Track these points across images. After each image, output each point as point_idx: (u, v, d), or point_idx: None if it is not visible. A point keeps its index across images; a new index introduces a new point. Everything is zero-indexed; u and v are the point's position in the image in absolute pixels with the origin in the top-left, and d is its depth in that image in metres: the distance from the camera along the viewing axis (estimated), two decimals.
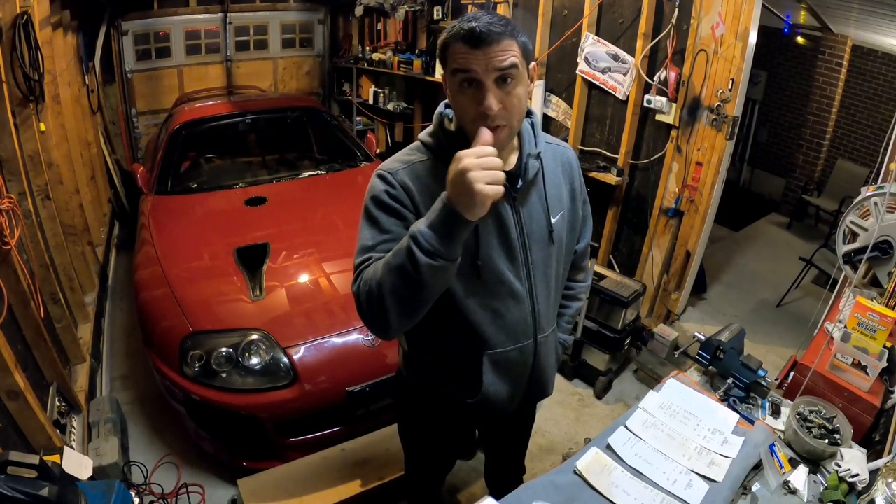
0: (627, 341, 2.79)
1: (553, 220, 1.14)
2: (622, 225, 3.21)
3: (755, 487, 1.23)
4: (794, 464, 1.28)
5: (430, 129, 1.11)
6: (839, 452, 1.28)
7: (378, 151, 4.10)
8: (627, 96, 2.87)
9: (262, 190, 3.01)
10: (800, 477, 1.23)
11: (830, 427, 1.35)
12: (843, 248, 1.99)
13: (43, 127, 2.45)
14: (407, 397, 1.38)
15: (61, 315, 2.32)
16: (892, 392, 1.50)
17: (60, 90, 2.98)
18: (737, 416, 1.41)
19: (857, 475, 1.21)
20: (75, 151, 3.22)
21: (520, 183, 1.09)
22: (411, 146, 1.12)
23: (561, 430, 2.52)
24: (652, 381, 2.73)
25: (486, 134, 0.88)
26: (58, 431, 1.82)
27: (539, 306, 1.17)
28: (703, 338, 1.60)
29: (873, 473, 1.21)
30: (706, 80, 2.56)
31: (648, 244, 3.02)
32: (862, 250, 1.87)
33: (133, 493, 1.56)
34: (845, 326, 1.51)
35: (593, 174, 3.00)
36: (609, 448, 1.29)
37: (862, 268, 1.91)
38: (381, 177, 1.05)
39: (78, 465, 1.44)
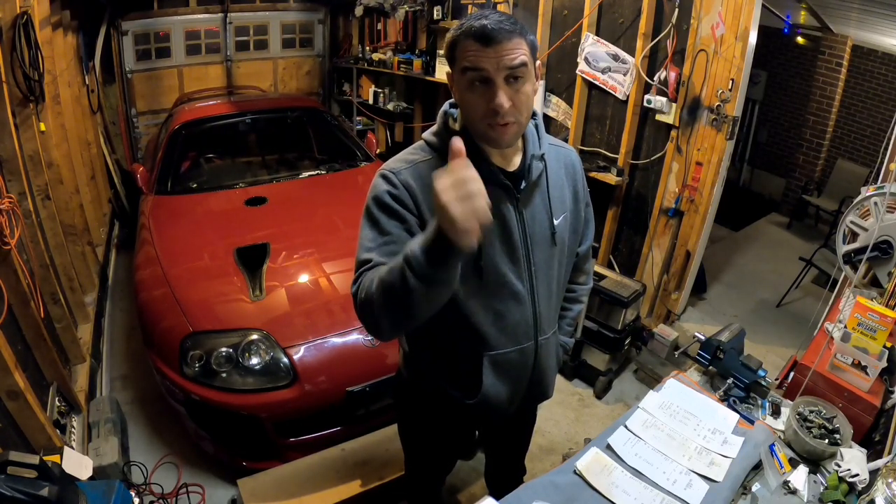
0: (627, 341, 2.79)
1: (556, 222, 1.14)
2: (622, 225, 3.21)
3: (755, 487, 1.23)
4: (794, 464, 1.28)
5: (434, 128, 1.11)
6: (839, 452, 1.28)
7: (378, 151, 4.10)
8: (627, 96, 2.87)
9: (262, 190, 3.01)
10: (800, 477, 1.23)
11: (830, 427, 1.34)
12: (843, 248, 1.99)
13: (43, 127, 2.45)
14: (407, 397, 1.38)
15: (61, 315, 2.32)
16: (892, 392, 1.50)
17: (60, 90, 2.98)
18: (737, 416, 1.41)
19: (857, 475, 1.21)
20: (75, 151, 3.22)
21: (523, 184, 1.09)
22: (415, 146, 1.12)
23: (561, 430, 2.52)
24: (652, 381, 2.73)
25: (456, 143, 0.80)
26: (58, 431, 1.82)
27: (540, 308, 1.17)
28: (703, 338, 1.60)
29: (873, 473, 1.21)
30: (706, 80, 2.56)
31: (648, 244, 3.02)
32: (862, 250, 1.87)
33: (133, 493, 1.56)
34: (845, 326, 1.51)
35: (593, 174, 3.00)
36: (609, 448, 1.29)
37: (862, 268, 1.91)
38: (383, 176, 1.04)
39: (78, 465, 1.45)
